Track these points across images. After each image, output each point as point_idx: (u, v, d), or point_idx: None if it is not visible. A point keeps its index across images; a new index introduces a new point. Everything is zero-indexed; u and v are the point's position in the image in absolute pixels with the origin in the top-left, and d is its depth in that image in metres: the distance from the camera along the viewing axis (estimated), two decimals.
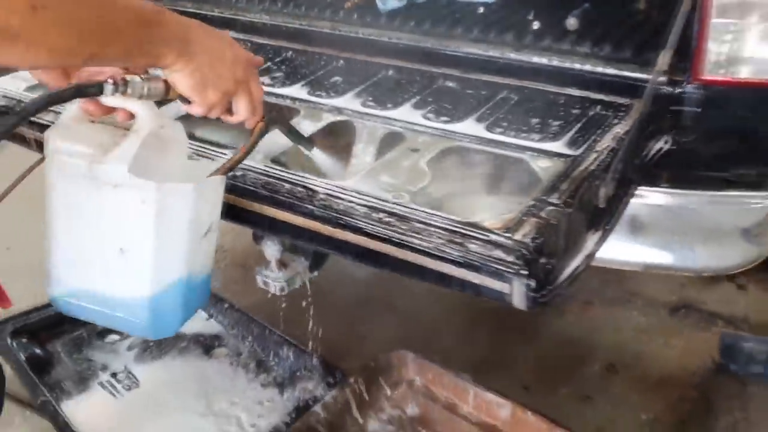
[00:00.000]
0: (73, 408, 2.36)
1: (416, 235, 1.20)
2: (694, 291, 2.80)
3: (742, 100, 1.51)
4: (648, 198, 1.60)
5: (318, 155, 1.49)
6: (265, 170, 1.39)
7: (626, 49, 1.67)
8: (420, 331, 2.67)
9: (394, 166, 1.44)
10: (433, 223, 1.22)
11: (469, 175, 1.45)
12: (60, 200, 1.13)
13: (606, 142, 1.43)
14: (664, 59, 1.40)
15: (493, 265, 1.12)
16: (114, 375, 2.49)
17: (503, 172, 1.43)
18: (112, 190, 1.06)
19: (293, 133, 1.44)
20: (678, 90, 1.51)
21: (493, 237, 1.16)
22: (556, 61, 1.70)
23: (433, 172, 1.42)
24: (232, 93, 1.11)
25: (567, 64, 1.69)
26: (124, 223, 1.09)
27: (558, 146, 1.45)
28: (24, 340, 2.57)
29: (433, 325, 2.72)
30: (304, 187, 1.35)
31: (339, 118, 1.66)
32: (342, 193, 1.33)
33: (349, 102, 1.71)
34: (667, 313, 2.72)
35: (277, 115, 1.41)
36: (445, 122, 1.58)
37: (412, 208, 1.27)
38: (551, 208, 1.23)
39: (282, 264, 1.74)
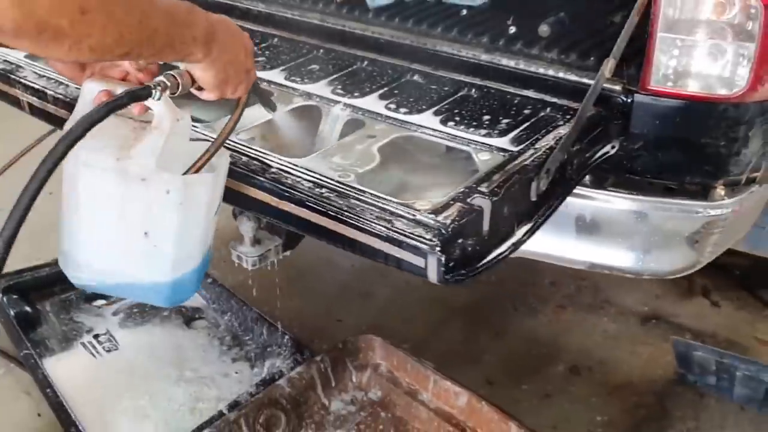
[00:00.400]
0: (54, 364, 2.49)
1: (350, 211, 1.29)
2: (667, 303, 2.86)
3: (687, 113, 1.58)
4: (595, 199, 1.67)
5: (281, 122, 1.59)
6: (228, 144, 1.50)
7: (592, 57, 1.74)
8: (395, 321, 2.77)
9: (348, 149, 1.54)
10: (367, 201, 1.31)
11: (415, 162, 1.54)
12: (84, 191, 1.19)
13: (547, 141, 1.51)
14: (607, 66, 1.48)
15: (412, 240, 1.21)
16: (96, 337, 2.62)
17: (446, 162, 1.52)
18: (140, 183, 1.13)
19: (261, 94, 1.54)
20: (627, 98, 1.59)
21: (419, 216, 1.26)
22: (522, 65, 1.78)
23: (382, 157, 1.51)
24: (242, 82, 1.21)
25: (531, 68, 1.77)
26: (149, 211, 1.16)
27: (502, 142, 1.53)
28: (15, 297, 2.71)
29: (409, 316, 2.81)
30: (260, 161, 1.46)
31: (308, 102, 1.76)
32: (292, 169, 1.43)
33: (320, 89, 1.81)
34: (637, 323, 2.79)
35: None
36: (405, 113, 1.67)
37: (352, 187, 1.36)
38: (478, 195, 1.31)
39: (256, 241, 1.85)
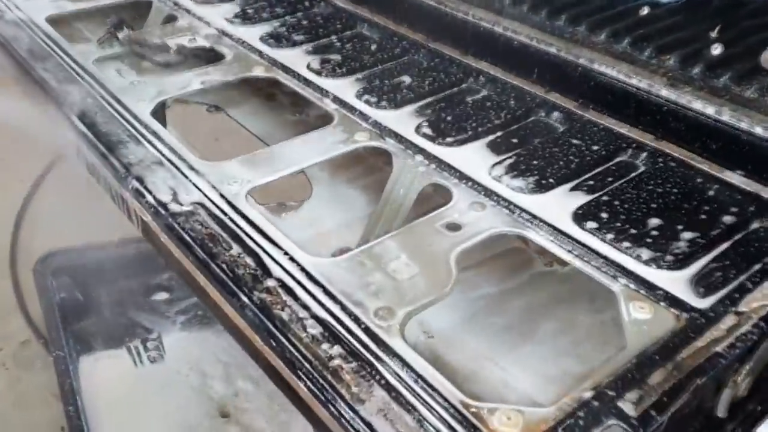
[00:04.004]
0: (89, 367, 2.13)
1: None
2: None
3: None
4: None
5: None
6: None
7: None
8: None
9: (416, 247, 0.95)
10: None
11: (515, 296, 0.91)
12: None
13: (762, 297, 0.84)
14: None
15: None
16: (145, 342, 2.21)
17: (568, 306, 0.88)
18: None
19: None
20: None
21: None
22: (727, 115, 1.08)
23: (463, 279, 0.90)
24: None
25: (744, 125, 1.06)
26: None
27: (676, 282, 0.87)
28: (66, 280, 2.33)
29: None
30: (253, 252, 0.89)
31: (375, 144, 1.15)
32: (305, 278, 0.85)
33: (402, 122, 1.20)
34: None
35: None
36: (519, 187, 1.04)
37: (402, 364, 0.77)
38: (615, 417, 0.69)
39: None
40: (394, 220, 1.10)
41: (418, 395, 0.74)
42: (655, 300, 0.86)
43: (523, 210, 1.00)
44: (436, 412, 0.72)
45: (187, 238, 0.94)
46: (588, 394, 0.74)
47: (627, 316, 0.84)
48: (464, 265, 0.95)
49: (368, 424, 0.71)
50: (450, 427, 0.71)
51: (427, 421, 0.71)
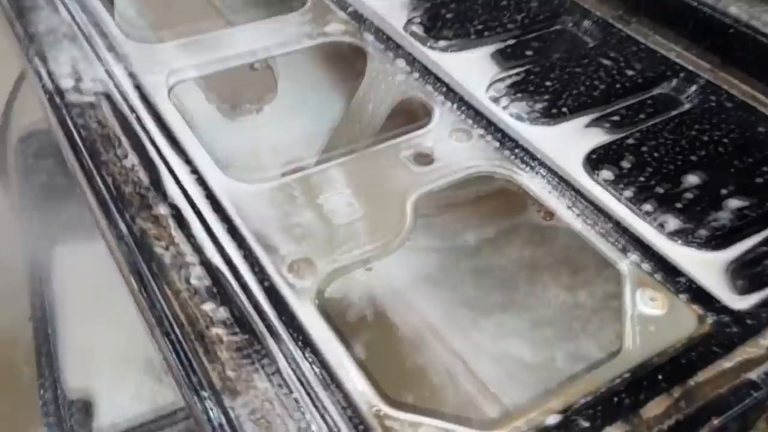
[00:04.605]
0: (64, 256, 1.99)
1: None
2: None
3: None
4: None
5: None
6: None
7: None
8: None
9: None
10: None
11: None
12: None
13: None
14: None
15: None
16: None
17: (561, 274, 0.66)
18: None
19: None
20: None
21: None
22: None
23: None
24: None
25: None
26: None
27: (710, 266, 0.64)
28: (49, 162, 2.16)
29: None
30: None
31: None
32: None
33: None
34: None
35: None
36: (536, 121, 0.79)
37: None
38: None
39: None
40: (360, 139, 0.86)
41: (315, 394, 0.53)
42: (673, 290, 0.62)
43: (519, 145, 0.76)
44: (333, 423, 0.51)
45: (76, 137, 0.73)
46: (552, 420, 0.52)
47: (631, 307, 0.61)
48: (433, 208, 0.73)
49: (233, 428, 0.50)
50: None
51: None
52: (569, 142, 0.77)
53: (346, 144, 0.87)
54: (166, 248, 0.62)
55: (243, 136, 0.99)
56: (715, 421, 0.52)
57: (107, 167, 0.69)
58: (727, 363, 0.56)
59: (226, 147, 0.90)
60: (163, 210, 0.65)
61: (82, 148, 0.72)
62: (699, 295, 0.62)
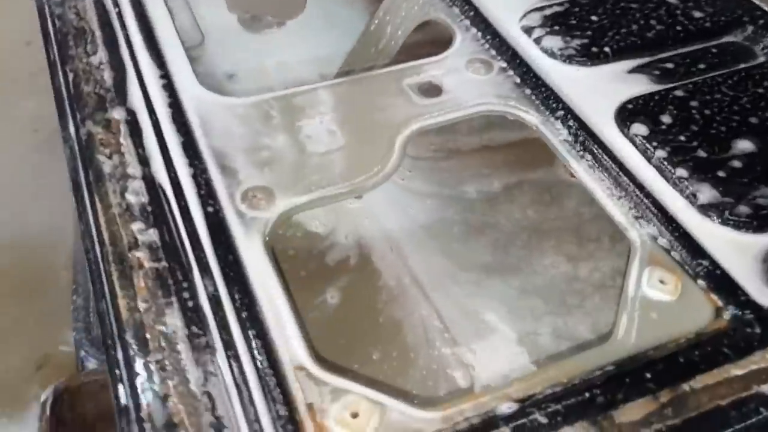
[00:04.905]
0: None
1: None
2: None
3: None
4: None
5: None
6: None
7: None
8: None
9: None
10: None
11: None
12: None
13: None
14: None
15: None
16: None
17: (574, 238, 0.56)
18: None
19: None
20: None
21: None
22: None
23: None
24: None
25: None
26: None
27: (742, 250, 0.53)
28: None
29: None
30: None
31: None
32: None
33: None
34: None
35: None
36: (570, 59, 0.68)
37: None
38: None
39: None
40: (375, 60, 0.77)
41: (231, 339, 0.45)
42: (691, 273, 0.51)
43: (543, 84, 0.65)
44: (240, 373, 0.44)
45: (50, 27, 0.67)
46: (504, 409, 0.43)
47: (634, 288, 0.51)
48: (438, 151, 0.63)
49: (130, 369, 0.44)
50: (253, 418, 0.42)
51: (213, 399, 0.43)
52: (604, 87, 0.65)
53: (361, 64, 0.78)
54: (110, 156, 0.55)
55: (258, 51, 0.91)
56: None
57: (72, 62, 0.63)
58: (737, 370, 0.45)
59: (238, 60, 0.82)
60: (117, 114, 0.58)
61: (53, 39, 0.65)
62: (722, 283, 0.51)
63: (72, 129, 0.57)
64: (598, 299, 0.54)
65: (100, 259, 0.49)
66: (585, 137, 0.61)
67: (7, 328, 1.60)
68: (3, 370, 1.58)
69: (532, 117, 0.63)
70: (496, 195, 0.67)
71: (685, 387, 0.44)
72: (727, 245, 0.53)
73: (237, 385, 0.43)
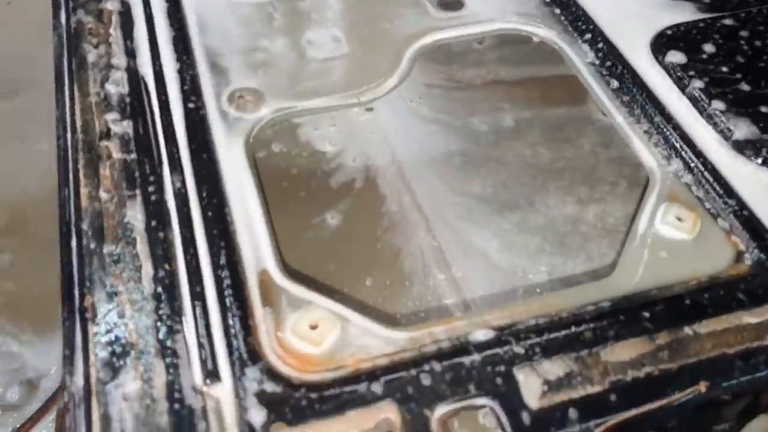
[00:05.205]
0: None
1: None
2: None
3: None
4: None
5: None
6: None
7: None
8: None
9: None
10: None
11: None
12: None
13: None
14: None
15: None
16: None
17: (592, 175, 0.51)
18: None
19: None
20: None
21: None
22: None
23: None
24: None
25: None
26: None
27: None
28: None
29: None
30: None
31: None
32: None
33: None
34: None
35: None
36: None
37: None
38: (488, 404, 0.35)
39: None
40: None
41: (191, 236, 0.42)
42: (712, 212, 0.46)
43: (575, 4, 0.59)
44: (196, 270, 0.40)
45: None
46: (479, 336, 0.39)
47: (646, 223, 0.46)
48: (456, 80, 0.59)
49: (81, 259, 0.41)
50: (202, 318, 0.39)
51: (160, 296, 0.40)
52: (642, 12, 0.59)
53: None
54: (96, 46, 0.52)
55: None
56: (702, 387, 0.37)
57: None
58: (751, 318, 0.40)
59: None
60: (111, 5, 0.55)
61: None
62: (747, 226, 0.45)
63: (63, 17, 0.55)
64: (605, 245, 0.49)
65: (69, 147, 0.46)
66: (614, 61, 0.55)
67: (43, 249, 1.63)
68: (37, 291, 1.61)
69: (557, 38, 0.57)
70: (509, 129, 0.61)
71: (688, 330, 0.39)
72: (759, 185, 0.47)
73: (191, 283, 0.40)
